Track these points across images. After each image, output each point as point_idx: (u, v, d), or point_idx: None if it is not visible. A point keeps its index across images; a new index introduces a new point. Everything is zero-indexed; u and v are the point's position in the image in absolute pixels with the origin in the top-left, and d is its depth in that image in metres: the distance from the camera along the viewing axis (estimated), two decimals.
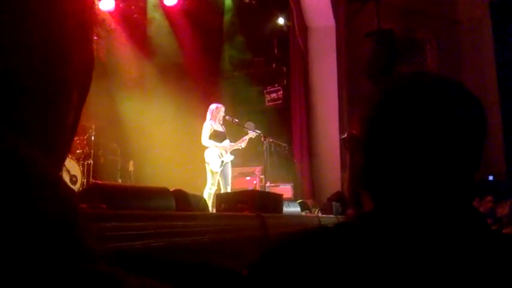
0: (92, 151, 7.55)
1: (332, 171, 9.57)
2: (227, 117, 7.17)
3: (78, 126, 0.52)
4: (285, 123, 10.34)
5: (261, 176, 8.42)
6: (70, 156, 6.65)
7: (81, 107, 0.51)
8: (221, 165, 6.98)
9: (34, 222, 0.36)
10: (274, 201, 4.79)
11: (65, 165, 4.51)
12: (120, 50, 9.24)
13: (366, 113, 0.87)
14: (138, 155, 8.75)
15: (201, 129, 7.08)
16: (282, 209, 4.96)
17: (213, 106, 7.17)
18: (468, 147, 0.79)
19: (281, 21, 10.80)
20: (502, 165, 10.77)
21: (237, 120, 7.35)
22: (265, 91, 10.89)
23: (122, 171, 8.42)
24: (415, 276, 0.70)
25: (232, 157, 7.21)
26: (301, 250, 0.76)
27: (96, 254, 0.39)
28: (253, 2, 10.57)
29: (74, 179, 7.02)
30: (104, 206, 2.37)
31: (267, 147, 7.21)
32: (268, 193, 5.90)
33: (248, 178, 8.89)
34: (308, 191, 9.52)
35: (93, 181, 6.81)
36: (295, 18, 9.95)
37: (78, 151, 7.24)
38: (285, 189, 8.41)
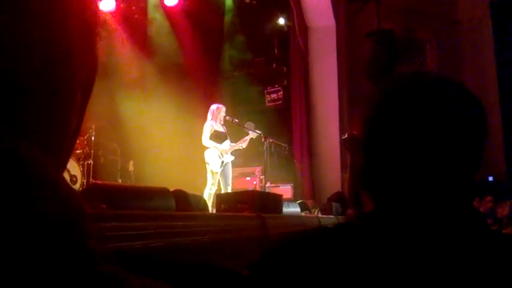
0: (92, 151, 7.55)
1: (332, 171, 9.57)
2: (227, 118, 7.17)
3: (81, 127, 0.52)
4: (285, 124, 10.33)
5: (261, 177, 8.42)
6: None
7: (84, 108, 0.51)
8: (221, 165, 6.98)
9: (34, 222, 0.36)
10: (274, 202, 4.79)
11: None
12: (120, 50, 9.23)
13: (366, 113, 0.87)
14: (138, 155, 8.75)
15: (201, 129, 7.07)
16: (281, 210, 4.96)
17: (213, 106, 7.17)
18: (468, 147, 0.79)
19: (281, 21, 10.80)
20: (502, 166, 10.77)
21: (237, 121, 7.34)
22: (265, 91, 10.89)
23: (122, 171, 8.42)
24: (416, 276, 0.70)
25: (232, 157, 7.21)
26: (301, 250, 0.76)
27: (97, 254, 0.39)
28: (253, 2, 10.56)
29: (74, 179, 7.02)
30: (104, 206, 2.37)
31: (267, 148, 7.20)
32: (268, 193, 5.90)
33: (248, 178, 8.89)
34: (308, 192, 9.52)
35: (93, 181, 6.81)
36: (295, 18, 9.95)
37: (78, 151, 7.23)
38: (285, 190, 8.41)
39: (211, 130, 7.01)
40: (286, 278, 0.73)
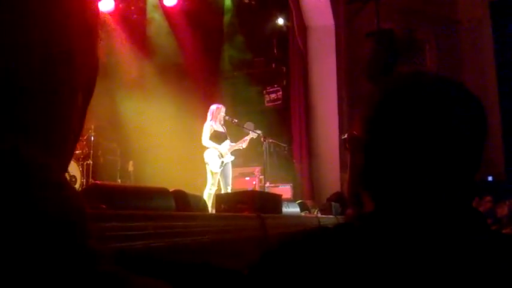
0: (91, 151, 7.54)
1: (331, 171, 9.57)
2: (227, 118, 7.17)
3: (82, 127, 0.52)
4: (284, 124, 10.34)
5: (261, 177, 8.42)
6: None
7: (86, 108, 0.51)
8: (221, 165, 6.97)
9: (34, 222, 0.36)
10: (273, 202, 4.79)
11: None
12: (119, 50, 9.23)
13: (366, 113, 0.87)
14: (137, 155, 8.75)
15: (201, 129, 7.07)
16: (281, 210, 4.96)
17: (213, 106, 7.17)
18: (468, 147, 0.79)
19: (280, 21, 10.80)
20: (501, 166, 10.79)
21: (236, 121, 7.34)
22: (264, 91, 10.89)
23: (122, 171, 8.41)
24: (416, 276, 0.70)
25: (232, 157, 7.20)
26: (301, 251, 0.76)
27: (97, 254, 0.39)
28: (252, 2, 10.57)
29: (73, 180, 7.02)
30: (104, 206, 2.37)
31: (266, 148, 7.21)
32: (268, 193, 5.90)
33: (247, 178, 8.89)
34: (307, 192, 9.52)
35: (93, 181, 6.81)
36: (294, 18, 9.96)
37: (77, 151, 7.22)
38: (285, 190, 8.41)
39: (211, 130, 7.01)
40: (286, 278, 0.73)
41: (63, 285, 0.36)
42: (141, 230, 2.17)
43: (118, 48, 9.16)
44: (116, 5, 9.50)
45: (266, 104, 10.87)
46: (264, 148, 7.19)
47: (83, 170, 7.31)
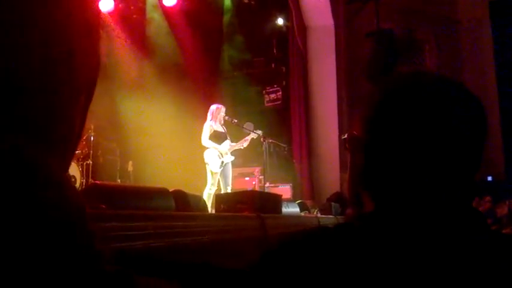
0: (91, 151, 7.53)
1: (331, 171, 9.57)
2: (226, 118, 7.17)
3: (84, 127, 0.52)
4: (284, 124, 10.33)
5: (260, 177, 8.42)
6: None
7: (87, 108, 0.51)
8: (221, 165, 6.97)
9: (35, 222, 0.36)
10: (273, 202, 4.79)
11: None
12: (119, 50, 9.23)
13: (366, 113, 0.87)
14: (137, 155, 8.74)
15: (201, 129, 7.07)
16: (281, 210, 4.96)
17: (213, 107, 7.16)
18: (468, 147, 0.79)
19: (280, 21, 10.80)
20: (500, 166, 10.79)
21: (236, 121, 7.34)
22: (264, 92, 10.89)
23: (121, 171, 8.40)
24: (416, 276, 0.70)
25: (232, 157, 7.20)
26: (301, 251, 0.76)
27: (99, 254, 0.39)
28: (252, 2, 10.56)
29: (73, 180, 7.02)
30: (104, 206, 2.37)
31: (266, 148, 7.20)
32: (268, 193, 5.90)
33: (247, 179, 8.89)
34: (307, 192, 9.52)
35: (92, 181, 6.80)
36: (294, 18, 9.96)
37: (77, 151, 7.19)
38: (284, 190, 8.41)
39: (211, 130, 7.01)
40: (286, 278, 0.73)
41: (65, 285, 0.36)
42: (141, 230, 2.17)
43: (117, 48, 9.16)
44: (116, 5, 9.50)
45: (266, 104, 10.87)
46: (263, 148, 7.18)
47: (82, 170, 7.30)
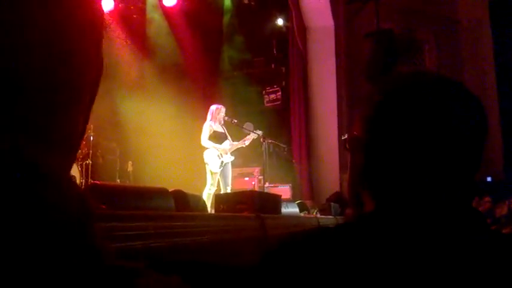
0: (91, 151, 7.54)
1: (331, 172, 9.57)
2: (226, 118, 7.17)
3: (86, 127, 0.52)
4: (283, 124, 10.33)
5: (260, 177, 8.42)
6: None
7: (90, 108, 0.51)
8: (221, 165, 6.97)
9: (37, 221, 0.36)
10: (273, 202, 4.79)
11: None
12: (119, 50, 9.23)
13: (366, 113, 0.87)
14: (137, 155, 8.74)
15: (201, 129, 7.07)
16: (280, 210, 4.96)
17: (213, 107, 7.16)
18: (468, 147, 0.79)
19: (280, 21, 10.79)
20: (500, 166, 10.78)
21: (236, 121, 7.34)
22: (264, 92, 10.89)
23: (121, 171, 8.41)
24: (416, 276, 0.70)
25: (232, 158, 7.20)
26: (301, 251, 0.76)
27: (106, 252, 0.39)
28: (252, 2, 10.56)
29: (73, 180, 7.00)
30: (104, 206, 2.37)
31: (265, 148, 7.21)
32: (267, 194, 5.90)
33: (247, 179, 8.89)
34: (307, 192, 9.52)
35: (92, 181, 6.80)
36: (294, 18, 9.96)
37: None
38: (284, 190, 8.41)
39: (211, 130, 7.00)
40: (287, 278, 0.73)
41: (68, 283, 0.36)
42: (141, 230, 2.17)
43: (117, 48, 9.16)
44: (116, 5, 9.50)
45: (265, 105, 10.87)
46: (263, 148, 7.18)
47: (82, 170, 7.30)
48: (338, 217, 6.53)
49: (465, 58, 11.68)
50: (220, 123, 7.13)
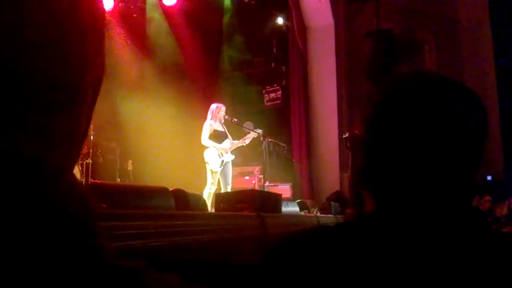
0: (91, 150, 7.54)
1: (331, 171, 9.57)
2: (226, 117, 7.17)
3: (89, 126, 0.52)
4: (284, 123, 10.33)
5: (260, 176, 8.42)
6: None
7: (93, 107, 0.51)
8: (221, 164, 6.97)
9: (37, 220, 0.36)
10: (273, 201, 4.80)
11: None
12: (119, 49, 9.23)
13: (366, 113, 0.87)
14: (137, 155, 8.74)
15: (201, 128, 7.07)
16: (281, 209, 4.96)
17: (213, 106, 7.16)
18: (468, 146, 0.80)
19: (280, 21, 10.79)
20: (500, 165, 10.78)
21: (236, 120, 7.34)
22: (264, 91, 10.89)
23: (121, 170, 8.41)
24: (416, 275, 0.70)
25: (233, 157, 7.20)
26: (302, 250, 0.76)
27: (109, 251, 0.40)
28: (252, 2, 10.56)
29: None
30: (104, 206, 2.37)
31: (266, 147, 7.21)
32: (268, 193, 5.90)
33: (247, 178, 8.89)
34: (307, 191, 9.52)
35: (92, 181, 6.81)
36: (294, 18, 9.95)
37: None
38: (284, 189, 8.41)
39: (211, 130, 7.00)
40: (287, 277, 0.74)
41: (71, 282, 0.36)
42: (141, 229, 2.17)
43: (117, 47, 9.15)
44: (115, 4, 9.49)
45: (265, 104, 10.87)
46: (263, 147, 7.19)
47: (82, 170, 7.31)
48: (338, 216, 6.54)
49: (465, 58, 11.68)
50: (220, 122, 7.13)
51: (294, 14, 9.93)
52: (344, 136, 0.95)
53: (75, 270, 0.36)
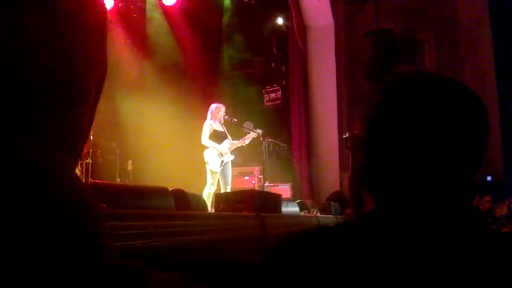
0: (91, 150, 7.55)
1: (331, 171, 9.57)
2: (226, 117, 7.17)
3: (91, 126, 0.52)
4: (283, 123, 10.33)
5: (260, 176, 8.42)
6: None
7: (95, 107, 0.51)
8: (221, 165, 6.97)
9: (37, 220, 0.36)
10: (273, 201, 4.80)
11: None
12: (119, 49, 9.23)
13: (366, 113, 0.87)
14: (137, 155, 8.74)
15: (201, 128, 7.07)
16: (280, 209, 4.96)
17: (213, 106, 7.16)
18: (469, 147, 0.79)
19: (280, 21, 10.79)
20: (500, 165, 10.77)
21: (235, 120, 7.34)
22: (264, 91, 10.88)
23: (121, 170, 8.41)
24: (416, 275, 0.70)
25: (232, 157, 7.20)
26: (302, 250, 0.76)
27: (109, 250, 0.40)
28: (252, 1, 10.56)
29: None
30: (104, 206, 2.37)
31: (265, 147, 7.21)
32: (268, 193, 5.90)
33: (247, 178, 8.89)
34: (307, 191, 9.52)
35: (92, 180, 6.81)
36: (294, 17, 9.96)
37: None
38: (284, 189, 8.41)
39: (211, 130, 7.00)
40: (287, 278, 0.74)
41: (74, 281, 0.36)
42: (141, 229, 2.17)
43: (117, 47, 9.15)
44: (115, 4, 9.49)
45: (265, 104, 10.87)
46: (263, 147, 7.19)
47: (82, 169, 7.31)
48: (338, 216, 6.54)
49: (465, 58, 11.67)
50: (220, 122, 7.13)
51: (293, 14, 9.93)
52: (344, 136, 0.95)
53: (75, 270, 0.36)
